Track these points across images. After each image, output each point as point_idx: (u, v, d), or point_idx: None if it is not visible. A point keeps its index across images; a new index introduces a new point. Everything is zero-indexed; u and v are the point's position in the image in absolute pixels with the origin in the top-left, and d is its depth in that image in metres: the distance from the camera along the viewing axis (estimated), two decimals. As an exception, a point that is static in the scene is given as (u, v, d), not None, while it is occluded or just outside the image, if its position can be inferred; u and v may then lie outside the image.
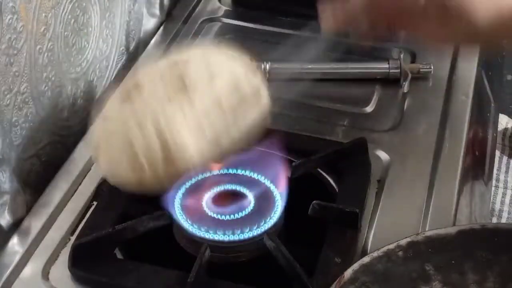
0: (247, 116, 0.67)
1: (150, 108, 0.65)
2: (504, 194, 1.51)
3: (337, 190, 0.78)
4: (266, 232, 0.70)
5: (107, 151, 0.68)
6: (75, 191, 0.79)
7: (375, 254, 0.63)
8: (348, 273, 0.61)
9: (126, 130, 0.66)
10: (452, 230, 0.65)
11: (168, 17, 1.05)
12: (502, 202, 1.50)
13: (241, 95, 0.67)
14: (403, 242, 0.64)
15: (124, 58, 0.96)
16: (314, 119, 0.87)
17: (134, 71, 0.77)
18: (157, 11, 1.02)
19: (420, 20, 0.64)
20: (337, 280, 0.60)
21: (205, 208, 0.72)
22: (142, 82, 0.67)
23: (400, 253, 0.64)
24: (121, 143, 0.66)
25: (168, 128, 0.65)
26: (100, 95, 0.91)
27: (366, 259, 0.62)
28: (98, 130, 0.69)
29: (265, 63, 0.94)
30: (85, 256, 0.70)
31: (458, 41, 0.71)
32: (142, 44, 1.00)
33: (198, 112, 0.65)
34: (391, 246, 0.64)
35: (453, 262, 0.64)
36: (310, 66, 0.95)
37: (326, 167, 0.80)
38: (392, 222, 0.75)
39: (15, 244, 0.73)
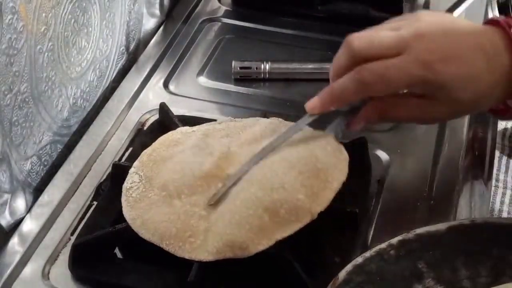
0: None
1: None
2: (503, 194, 1.51)
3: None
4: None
5: None
6: (75, 191, 0.79)
7: (368, 254, 0.63)
8: (342, 274, 0.61)
9: None
10: (442, 226, 0.65)
11: (168, 17, 1.05)
12: (502, 202, 1.50)
13: None
14: (394, 241, 0.64)
15: (124, 58, 0.96)
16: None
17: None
18: (157, 11, 1.02)
19: (403, 105, 0.71)
20: (332, 282, 0.60)
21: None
22: None
23: (392, 252, 0.63)
24: None
25: None
26: (100, 95, 0.91)
27: (359, 260, 0.62)
28: None
29: (265, 63, 0.94)
30: (85, 256, 0.70)
31: (443, 117, 0.77)
32: (142, 44, 1.00)
33: None
34: (383, 246, 0.64)
35: (445, 258, 0.64)
36: (310, 66, 0.95)
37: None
38: (392, 222, 0.75)
39: (15, 244, 0.73)
